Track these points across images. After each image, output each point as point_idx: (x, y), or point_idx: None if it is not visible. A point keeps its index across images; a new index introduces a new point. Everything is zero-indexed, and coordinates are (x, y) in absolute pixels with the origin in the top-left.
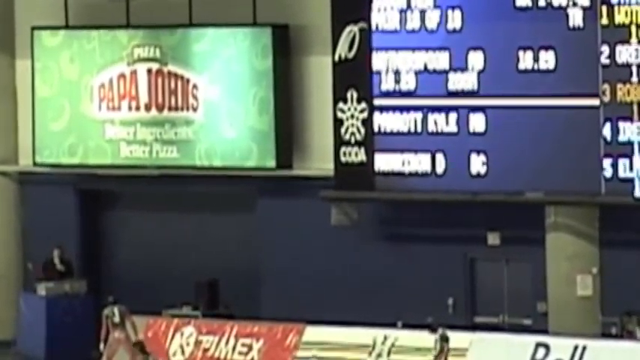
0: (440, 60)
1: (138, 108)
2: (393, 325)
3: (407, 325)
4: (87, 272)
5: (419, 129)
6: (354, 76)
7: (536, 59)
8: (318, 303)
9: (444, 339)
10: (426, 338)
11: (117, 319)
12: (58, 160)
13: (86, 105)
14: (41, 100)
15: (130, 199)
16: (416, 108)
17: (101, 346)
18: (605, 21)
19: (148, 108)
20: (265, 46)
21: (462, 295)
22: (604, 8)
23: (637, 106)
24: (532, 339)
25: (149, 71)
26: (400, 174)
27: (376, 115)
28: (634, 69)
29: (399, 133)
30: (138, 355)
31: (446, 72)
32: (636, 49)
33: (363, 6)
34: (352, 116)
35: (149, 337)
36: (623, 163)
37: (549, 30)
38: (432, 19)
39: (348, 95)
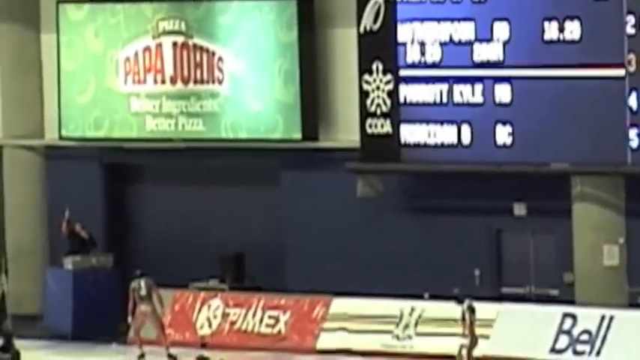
0: (465, 31)
1: (163, 81)
2: (419, 297)
3: (434, 297)
4: (113, 246)
5: (444, 100)
6: (380, 48)
7: (561, 29)
8: (343, 275)
9: (471, 310)
10: (453, 309)
11: (143, 292)
12: (83, 134)
13: (111, 79)
14: (66, 74)
15: (156, 173)
16: (441, 79)
17: (129, 318)
18: None
19: (173, 81)
20: (290, 18)
21: (488, 266)
22: None
23: None
24: (559, 309)
25: (174, 44)
26: (426, 145)
27: (402, 86)
28: None
29: (424, 105)
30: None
31: (471, 43)
32: None
33: None
34: (378, 88)
35: (176, 310)
36: None
37: (574, 0)
38: None
39: (374, 67)
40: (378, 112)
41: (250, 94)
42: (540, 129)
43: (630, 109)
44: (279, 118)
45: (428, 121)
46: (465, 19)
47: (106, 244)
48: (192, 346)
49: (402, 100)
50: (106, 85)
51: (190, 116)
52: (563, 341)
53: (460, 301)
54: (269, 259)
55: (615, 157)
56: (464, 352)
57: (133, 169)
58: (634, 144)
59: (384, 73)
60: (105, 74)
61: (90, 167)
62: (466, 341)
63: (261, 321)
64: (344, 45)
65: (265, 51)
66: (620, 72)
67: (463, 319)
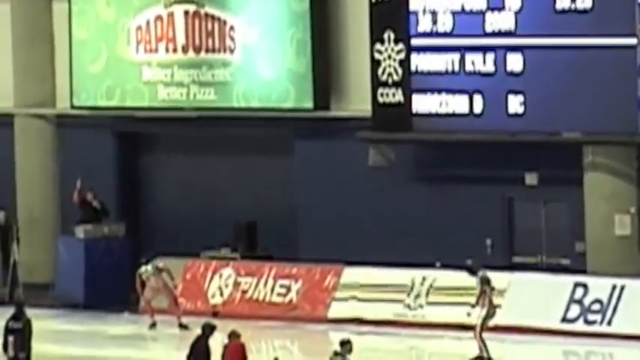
0: (477, 0)
1: (175, 50)
2: (431, 266)
3: (445, 266)
4: (125, 215)
5: (456, 69)
6: (391, 17)
7: None
8: (355, 244)
9: (485, 281)
10: (464, 279)
11: (151, 271)
12: (95, 103)
13: (123, 47)
14: (78, 43)
15: (168, 142)
16: (453, 48)
17: (141, 301)
18: None
19: (185, 50)
20: None
21: (499, 235)
22: None
23: None
24: (570, 279)
25: (186, 13)
26: (438, 114)
27: (413, 55)
28: None
29: (436, 74)
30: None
31: (483, 12)
32: None
33: None
34: (389, 57)
35: (187, 279)
36: None
37: None
38: None
39: (385, 36)
40: (390, 81)
41: (262, 63)
42: (552, 98)
43: None
44: (290, 87)
45: (439, 91)
46: None
47: (117, 213)
48: (203, 315)
49: (413, 69)
50: (118, 54)
51: (202, 85)
52: (575, 311)
53: (473, 272)
54: (281, 228)
55: (627, 127)
56: (478, 321)
57: (145, 138)
58: None
59: (396, 42)
60: (117, 43)
61: (102, 136)
62: (476, 310)
63: (272, 290)
64: (356, 14)
65: (277, 20)
66: (632, 41)
67: (481, 292)
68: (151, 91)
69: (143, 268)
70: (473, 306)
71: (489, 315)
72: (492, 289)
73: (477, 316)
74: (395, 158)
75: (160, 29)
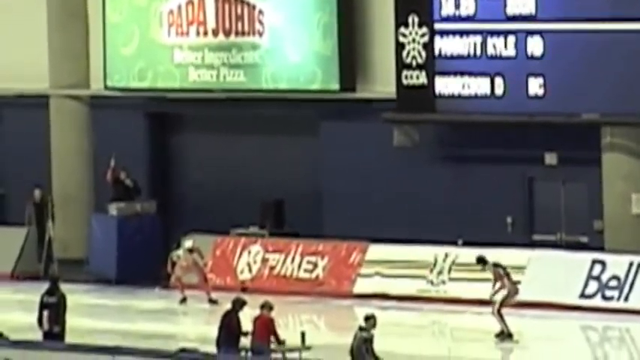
0: None
1: (206, 33)
2: (453, 244)
3: (467, 243)
4: (156, 193)
5: (478, 53)
6: (416, 2)
7: None
8: (380, 222)
9: (497, 265)
10: (486, 255)
11: (181, 252)
12: (128, 85)
13: (155, 30)
14: (112, 26)
15: (198, 122)
16: (475, 32)
17: (172, 278)
18: None
19: (215, 33)
20: None
21: (520, 213)
22: None
23: None
24: (589, 256)
25: None
26: (460, 96)
27: (437, 39)
28: None
29: (458, 57)
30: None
31: None
32: None
33: None
34: (414, 40)
35: (217, 255)
36: None
37: None
38: None
39: (410, 20)
40: (414, 64)
41: (290, 46)
42: (571, 81)
43: None
44: (317, 70)
45: (462, 73)
46: None
47: (149, 192)
48: (232, 291)
49: (437, 52)
50: (150, 37)
51: (232, 67)
52: (593, 287)
53: (485, 263)
54: (308, 206)
55: None
56: (498, 299)
57: (176, 118)
58: None
59: (420, 26)
60: (149, 26)
61: (134, 117)
62: (501, 292)
63: (299, 266)
64: None
65: (304, 4)
66: None
67: (497, 275)
68: (182, 73)
69: (173, 254)
70: (506, 295)
71: (511, 294)
72: (507, 273)
73: (500, 294)
74: (419, 139)
75: (191, 13)
